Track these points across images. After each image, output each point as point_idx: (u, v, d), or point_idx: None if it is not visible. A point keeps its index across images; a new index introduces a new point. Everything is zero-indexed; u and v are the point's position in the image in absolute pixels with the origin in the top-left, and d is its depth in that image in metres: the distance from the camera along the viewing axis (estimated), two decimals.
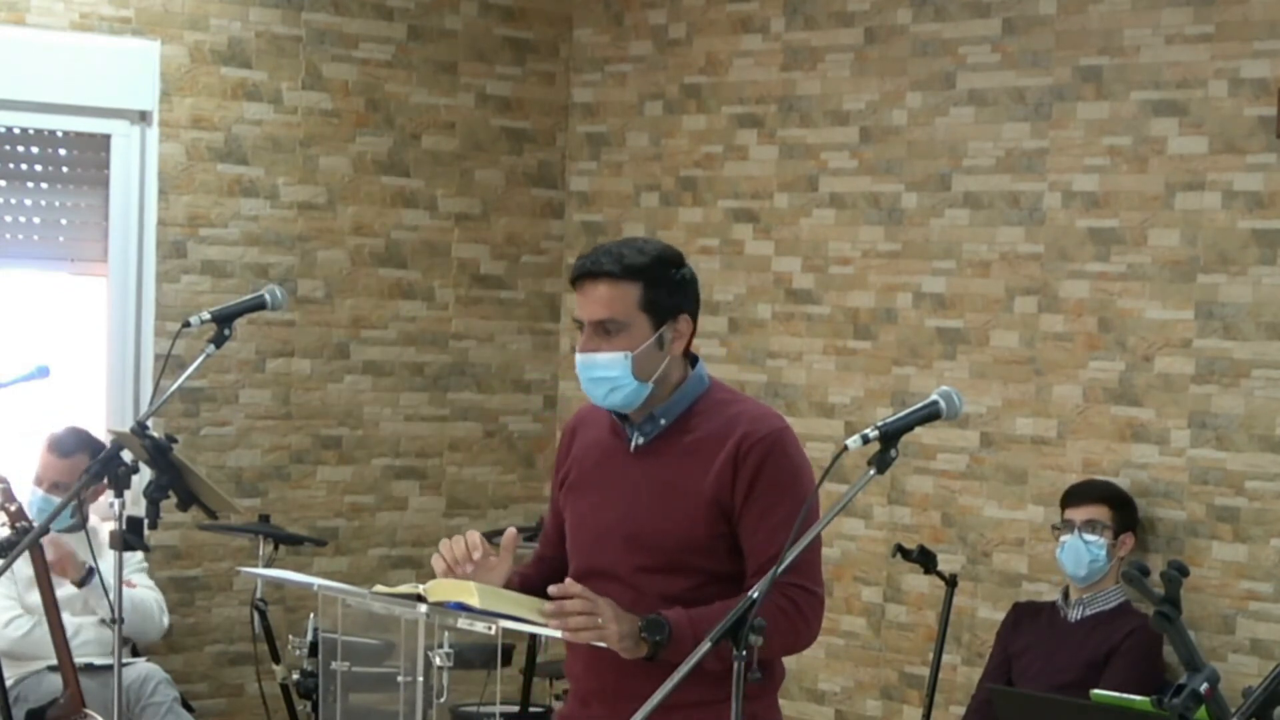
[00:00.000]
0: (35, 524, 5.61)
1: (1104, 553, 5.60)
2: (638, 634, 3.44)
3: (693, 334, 3.68)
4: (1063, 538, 5.66)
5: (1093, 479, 5.79)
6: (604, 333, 3.59)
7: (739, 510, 3.57)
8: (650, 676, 3.39)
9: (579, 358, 3.63)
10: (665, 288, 3.62)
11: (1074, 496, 5.71)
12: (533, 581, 3.75)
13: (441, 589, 3.65)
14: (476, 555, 3.66)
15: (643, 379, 3.60)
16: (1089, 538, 5.61)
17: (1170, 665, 5.53)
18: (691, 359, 3.70)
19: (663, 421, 3.65)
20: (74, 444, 6.01)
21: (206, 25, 6.62)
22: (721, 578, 3.59)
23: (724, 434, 3.59)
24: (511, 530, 3.79)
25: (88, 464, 5.92)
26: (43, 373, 6.00)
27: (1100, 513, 5.64)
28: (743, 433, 3.58)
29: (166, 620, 6.23)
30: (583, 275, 3.62)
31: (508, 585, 3.71)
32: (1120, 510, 5.66)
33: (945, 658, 5.95)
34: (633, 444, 3.67)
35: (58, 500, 5.91)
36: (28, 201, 6.50)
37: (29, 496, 5.95)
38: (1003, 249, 6.12)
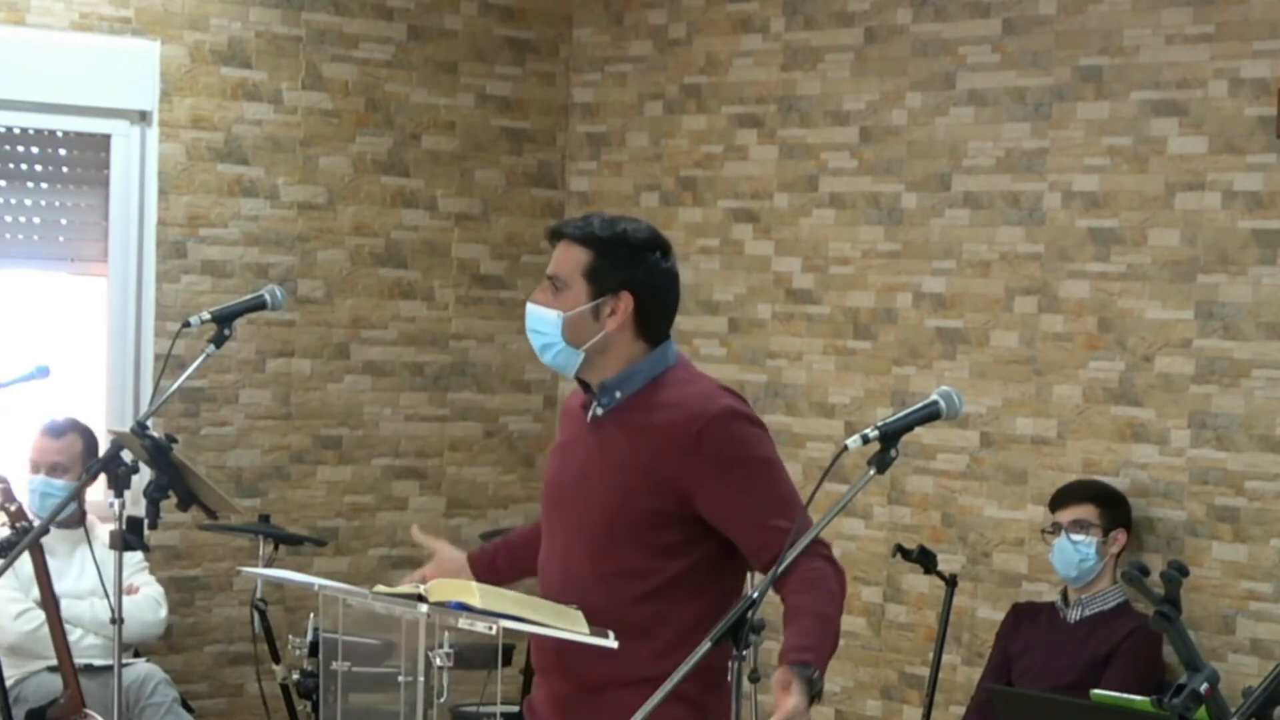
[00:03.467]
0: (34, 517, 5.62)
1: (1093, 551, 5.60)
2: (806, 695, 3.41)
3: (640, 316, 3.71)
4: (1053, 541, 5.67)
5: (1078, 479, 5.80)
6: (553, 289, 3.73)
7: (707, 496, 3.61)
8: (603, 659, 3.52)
9: (527, 306, 3.78)
10: (614, 262, 3.70)
11: (1060, 499, 5.72)
12: (512, 541, 4.06)
13: (442, 589, 3.67)
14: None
15: (573, 344, 3.71)
16: (1076, 538, 5.61)
17: (1170, 665, 5.53)
18: (660, 339, 3.75)
19: (618, 394, 3.72)
20: (66, 424, 6.11)
21: (206, 25, 6.62)
22: (664, 549, 3.64)
23: (674, 414, 3.64)
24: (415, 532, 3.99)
25: (80, 444, 6.05)
26: (43, 373, 6.01)
27: (1086, 512, 5.64)
28: (690, 416, 3.62)
29: (164, 613, 6.22)
30: (552, 232, 3.81)
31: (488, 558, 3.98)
32: (1107, 508, 5.66)
33: (945, 658, 5.95)
34: (590, 414, 3.76)
35: (58, 483, 5.95)
36: (28, 201, 6.50)
37: (28, 485, 5.98)
38: (1003, 249, 6.12)
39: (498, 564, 4.06)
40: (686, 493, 3.62)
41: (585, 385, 3.78)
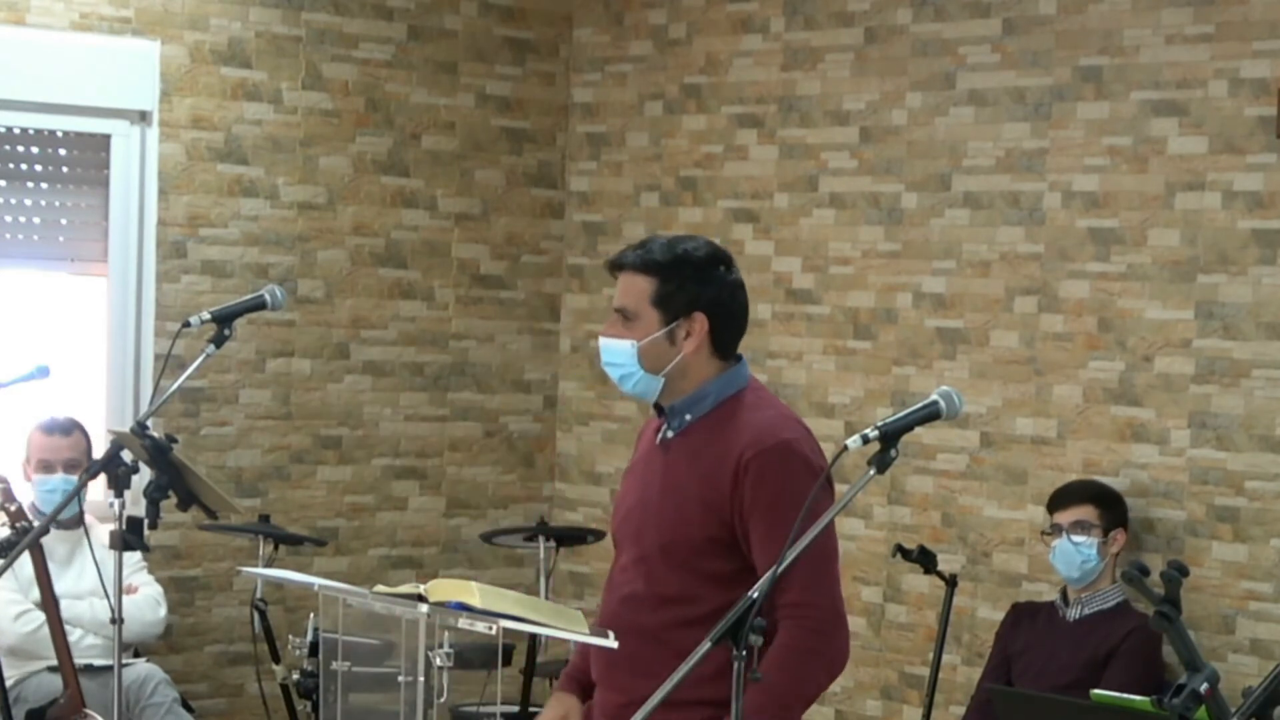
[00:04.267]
0: (34, 518, 5.62)
1: (1094, 552, 5.61)
2: None
3: (714, 334, 3.72)
4: (1053, 542, 5.67)
5: (1077, 480, 5.80)
6: (623, 319, 3.73)
7: (745, 527, 3.63)
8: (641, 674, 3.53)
9: (600, 341, 3.79)
10: (680, 285, 3.69)
11: (1059, 500, 5.72)
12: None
13: (442, 589, 3.67)
14: None
15: (651, 371, 3.71)
16: (1077, 539, 5.61)
17: (1170, 665, 5.53)
18: (731, 355, 3.76)
19: (688, 417, 3.73)
20: (70, 422, 6.12)
21: (206, 25, 6.62)
22: (716, 577, 3.65)
23: (731, 441, 3.65)
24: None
25: (85, 441, 6.06)
26: (43, 373, 6.01)
27: (1086, 513, 5.64)
28: (745, 443, 3.63)
29: (163, 612, 6.22)
30: (611, 265, 3.79)
31: None
32: (1107, 508, 5.66)
33: (945, 658, 5.95)
34: (660, 437, 3.78)
35: (76, 479, 5.95)
36: (28, 201, 6.50)
37: (42, 485, 5.97)
38: (1003, 249, 6.12)
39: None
40: (731, 520, 3.63)
41: (659, 408, 3.79)
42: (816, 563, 3.55)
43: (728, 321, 3.74)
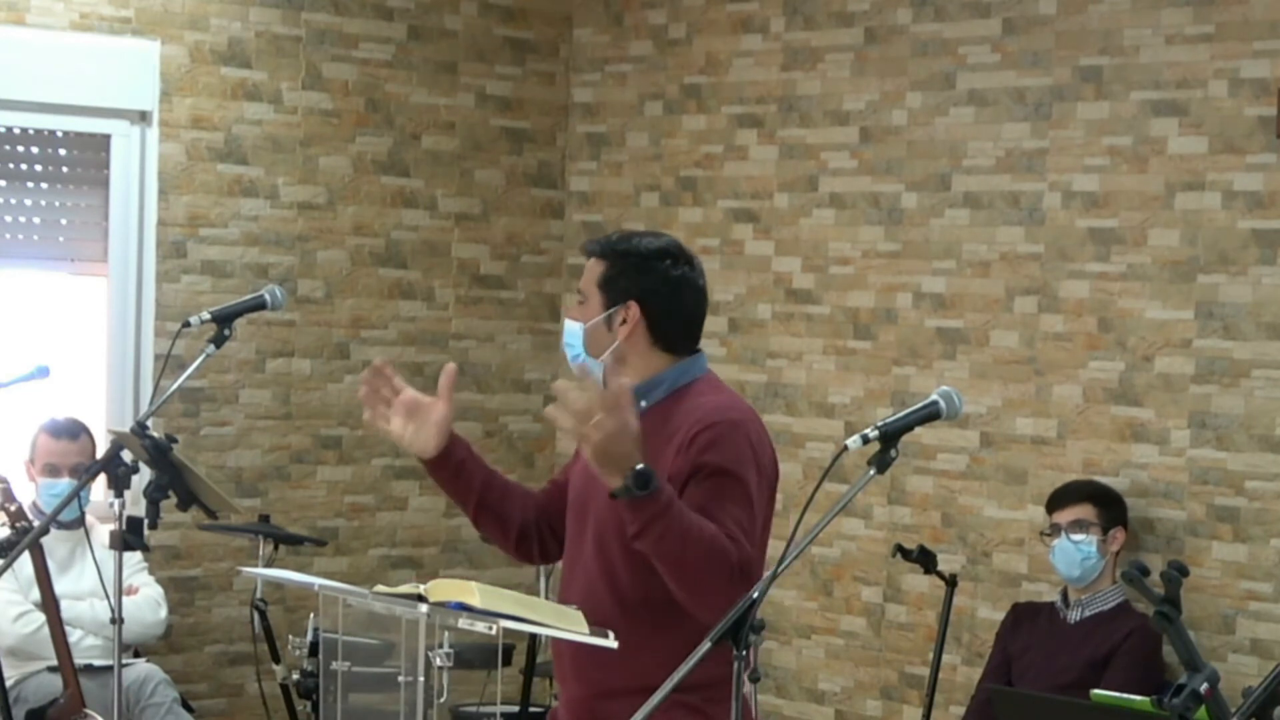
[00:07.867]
0: (34, 518, 5.62)
1: (1094, 550, 5.61)
2: (624, 466, 3.41)
3: (651, 325, 3.73)
4: (1052, 542, 5.67)
5: (1075, 480, 5.80)
6: (579, 303, 3.81)
7: (682, 491, 3.57)
8: (612, 669, 3.55)
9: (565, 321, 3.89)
10: (621, 272, 3.74)
11: (1058, 499, 5.73)
12: (497, 489, 4.10)
13: (442, 589, 3.67)
14: (396, 382, 3.98)
15: (593, 354, 3.76)
16: (1076, 538, 5.62)
17: (1170, 665, 5.53)
18: (683, 349, 3.77)
19: (643, 404, 3.71)
20: (77, 425, 6.12)
21: (206, 25, 6.62)
22: None
23: (682, 420, 3.66)
24: (451, 367, 3.97)
25: (91, 444, 6.05)
26: (43, 373, 6.00)
27: (1085, 512, 5.65)
28: (695, 420, 3.64)
29: (164, 613, 6.22)
30: (583, 249, 3.90)
31: (488, 483, 4.06)
32: (1105, 507, 5.67)
33: (945, 658, 5.95)
34: None
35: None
36: (28, 201, 6.50)
37: (49, 489, 5.96)
38: (1003, 249, 6.12)
39: (480, 475, 4.08)
40: (679, 491, 3.61)
41: None
42: (751, 519, 3.56)
43: (664, 314, 3.74)
